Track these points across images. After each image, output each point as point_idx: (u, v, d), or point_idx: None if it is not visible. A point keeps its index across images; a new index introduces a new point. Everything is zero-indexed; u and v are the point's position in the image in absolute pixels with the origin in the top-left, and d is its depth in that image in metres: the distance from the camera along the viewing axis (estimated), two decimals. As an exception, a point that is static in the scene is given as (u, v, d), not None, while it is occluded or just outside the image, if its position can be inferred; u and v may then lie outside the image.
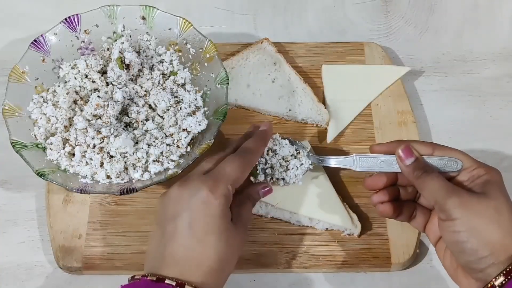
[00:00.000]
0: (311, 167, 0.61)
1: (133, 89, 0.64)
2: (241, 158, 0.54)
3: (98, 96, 0.60)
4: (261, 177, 0.59)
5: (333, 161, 0.61)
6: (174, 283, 0.47)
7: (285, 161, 0.61)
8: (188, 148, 0.61)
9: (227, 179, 0.51)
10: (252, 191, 0.58)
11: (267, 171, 0.60)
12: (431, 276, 0.64)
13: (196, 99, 0.64)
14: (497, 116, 0.75)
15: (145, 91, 0.65)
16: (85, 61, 0.65)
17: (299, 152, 0.61)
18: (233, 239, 0.50)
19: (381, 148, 0.57)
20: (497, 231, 0.47)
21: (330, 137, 0.70)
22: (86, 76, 0.65)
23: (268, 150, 0.60)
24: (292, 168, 0.61)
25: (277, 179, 0.61)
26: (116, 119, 0.61)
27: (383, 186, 0.57)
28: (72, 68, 0.65)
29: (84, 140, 0.60)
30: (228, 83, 0.63)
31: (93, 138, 0.60)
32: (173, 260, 0.48)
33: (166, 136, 0.62)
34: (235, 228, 0.51)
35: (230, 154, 0.55)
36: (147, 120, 0.63)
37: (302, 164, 0.61)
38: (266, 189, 0.59)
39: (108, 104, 0.60)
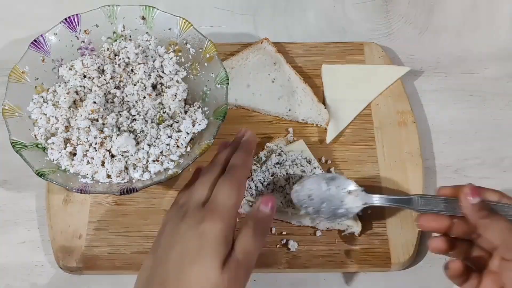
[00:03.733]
0: (362, 207, 0.59)
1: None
2: (232, 180, 0.52)
3: (94, 102, 0.61)
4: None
5: (385, 201, 0.59)
6: None
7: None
8: (188, 148, 0.61)
9: (226, 207, 0.50)
10: (250, 213, 0.53)
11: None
12: (431, 276, 0.64)
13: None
14: (497, 116, 0.75)
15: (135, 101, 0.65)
16: (82, 61, 0.65)
17: (350, 191, 0.59)
18: (230, 268, 0.47)
19: (449, 192, 0.55)
20: None
21: (330, 137, 0.70)
22: (85, 76, 0.65)
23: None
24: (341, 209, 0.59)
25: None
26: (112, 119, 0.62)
27: (434, 228, 0.55)
28: (70, 69, 0.65)
29: (87, 139, 0.60)
30: (228, 83, 0.63)
31: (95, 137, 0.60)
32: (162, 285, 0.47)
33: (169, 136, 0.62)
34: (231, 259, 0.48)
35: (219, 173, 0.54)
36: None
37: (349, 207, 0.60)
38: (268, 201, 0.53)
39: (104, 110, 0.61)
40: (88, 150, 0.60)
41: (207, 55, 0.65)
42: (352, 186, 0.60)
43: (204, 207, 0.51)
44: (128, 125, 0.62)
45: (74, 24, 0.66)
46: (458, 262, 0.52)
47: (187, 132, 0.62)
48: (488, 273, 0.52)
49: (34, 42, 0.64)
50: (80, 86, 0.65)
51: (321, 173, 0.62)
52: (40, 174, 0.56)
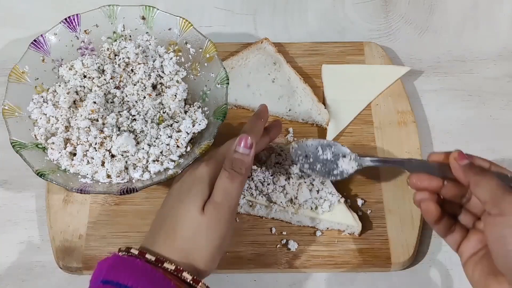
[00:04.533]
0: (356, 168, 0.61)
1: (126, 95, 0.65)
2: (240, 137, 0.54)
3: (94, 102, 0.61)
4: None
5: (380, 163, 0.61)
6: (173, 267, 0.49)
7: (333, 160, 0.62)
8: (188, 148, 0.61)
9: (220, 153, 0.55)
10: (227, 156, 0.54)
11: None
12: (431, 276, 0.64)
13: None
14: (497, 116, 0.75)
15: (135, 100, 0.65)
16: (82, 61, 0.65)
17: (345, 155, 0.62)
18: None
19: (439, 157, 0.55)
20: None
21: (330, 137, 0.70)
22: (85, 76, 0.65)
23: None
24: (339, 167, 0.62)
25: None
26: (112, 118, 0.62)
27: (425, 187, 0.55)
28: (70, 69, 0.65)
29: (87, 139, 0.60)
30: (228, 83, 0.63)
31: (95, 137, 0.60)
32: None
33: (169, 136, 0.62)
34: (210, 200, 0.52)
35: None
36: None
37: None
38: (242, 139, 0.54)
39: (104, 110, 0.61)
40: (88, 150, 0.60)
41: (207, 55, 0.65)
42: (347, 151, 0.62)
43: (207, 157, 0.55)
44: (128, 125, 0.62)
45: (74, 24, 0.66)
46: (432, 204, 0.53)
47: (187, 132, 0.62)
48: (475, 231, 0.53)
49: (34, 42, 0.64)
50: (80, 86, 0.65)
51: (318, 139, 0.64)
52: (40, 174, 0.56)
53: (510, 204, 0.47)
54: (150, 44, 0.67)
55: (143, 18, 0.67)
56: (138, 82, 0.65)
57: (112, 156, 0.60)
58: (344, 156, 0.62)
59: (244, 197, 0.64)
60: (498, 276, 0.49)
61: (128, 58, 0.66)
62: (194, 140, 0.63)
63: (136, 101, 0.64)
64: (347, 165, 0.61)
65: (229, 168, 0.52)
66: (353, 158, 0.61)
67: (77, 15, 0.66)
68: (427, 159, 0.56)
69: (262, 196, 0.64)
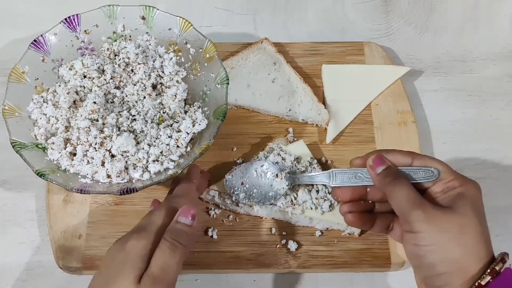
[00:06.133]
0: (287, 188, 0.63)
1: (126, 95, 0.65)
2: (168, 206, 0.52)
3: (94, 102, 0.61)
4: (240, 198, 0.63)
5: (307, 178, 0.61)
6: None
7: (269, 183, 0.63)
8: (188, 148, 0.61)
9: (154, 226, 0.49)
10: (169, 226, 0.50)
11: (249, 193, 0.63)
12: (431, 276, 0.64)
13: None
14: (497, 116, 0.75)
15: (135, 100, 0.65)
16: (82, 61, 0.65)
17: (277, 175, 0.63)
18: None
19: (361, 161, 0.55)
20: (457, 249, 0.46)
21: (330, 137, 0.70)
22: (85, 76, 0.65)
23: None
24: (275, 189, 0.63)
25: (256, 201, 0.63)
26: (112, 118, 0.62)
27: (350, 199, 0.55)
28: (70, 69, 0.65)
29: (87, 139, 0.60)
30: (228, 83, 0.63)
31: (95, 137, 0.60)
32: None
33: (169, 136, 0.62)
34: (146, 274, 0.46)
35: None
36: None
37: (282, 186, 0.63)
38: (187, 211, 0.50)
39: (104, 110, 0.61)
40: (88, 150, 0.60)
41: (207, 55, 0.65)
42: (278, 170, 0.63)
43: (136, 228, 0.50)
44: (128, 125, 0.62)
45: (74, 24, 0.66)
46: (355, 215, 0.54)
47: (187, 132, 0.62)
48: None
49: (34, 42, 0.64)
50: (80, 86, 0.65)
51: (250, 162, 0.65)
52: (40, 174, 0.56)
53: (418, 219, 0.47)
54: (150, 44, 0.67)
55: (143, 18, 0.67)
56: (138, 82, 0.65)
57: (112, 156, 0.60)
58: (276, 176, 0.63)
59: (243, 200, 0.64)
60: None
61: (128, 58, 0.66)
62: (194, 140, 0.63)
63: (136, 101, 0.64)
64: (279, 185, 0.63)
65: (171, 238, 0.48)
66: (284, 177, 0.62)
67: (77, 15, 0.66)
68: (350, 164, 0.57)
69: (260, 201, 0.64)
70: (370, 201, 0.56)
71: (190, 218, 0.50)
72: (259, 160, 0.65)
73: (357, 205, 0.55)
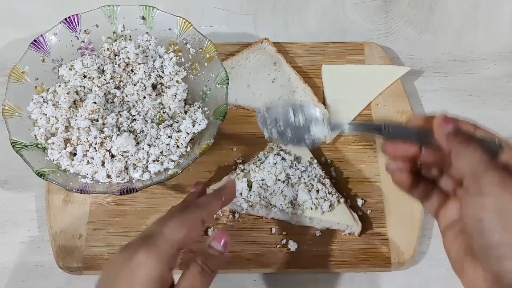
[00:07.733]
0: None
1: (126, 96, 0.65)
2: (184, 215, 0.49)
3: (94, 102, 0.61)
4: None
5: (354, 127, 0.52)
6: None
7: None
8: (188, 148, 0.61)
9: (165, 240, 0.46)
10: (200, 249, 0.49)
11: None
12: (431, 276, 0.64)
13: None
14: (497, 116, 0.75)
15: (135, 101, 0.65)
16: (82, 61, 0.65)
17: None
18: None
19: (421, 121, 0.50)
20: None
21: (329, 137, 0.70)
22: (85, 76, 0.65)
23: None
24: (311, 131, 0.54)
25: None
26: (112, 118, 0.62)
27: (402, 156, 0.50)
28: (70, 69, 0.65)
29: (87, 139, 0.60)
30: (228, 83, 0.63)
31: (95, 137, 0.60)
32: None
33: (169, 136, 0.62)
34: None
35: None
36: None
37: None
38: (221, 237, 0.49)
39: (104, 110, 0.61)
40: (88, 150, 0.60)
41: (207, 55, 0.66)
42: (319, 115, 0.55)
43: (145, 238, 0.47)
44: (128, 125, 0.62)
45: (74, 24, 0.66)
46: (405, 174, 0.49)
47: (187, 132, 0.62)
48: (455, 199, 0.49)
49: (34, 42, 0.64)
50: (80, 86, 0.65)
51: (288, 101, 0.59)
52: (40, 174, 0.56)
53: (491, 182, 0.43)
54: (150, 44, 0.67)
55: (143, 18, 0.67)
56: (138, 82, 0.65)
57: (112, 156, 0.60)
58: (316, 121, 0.55)
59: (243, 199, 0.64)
60: (474, 260, 0.46)
61: (128, 58, 0.66)
62: (194, 140, 0.63)
63: (136, 101, 0.64)
64: (319, 132, 0.54)
65: (203, 263, 0.46)
66: (326, 123, 0.54)
67: (77, 15, 0.66)
68: (406, 123, 0.51)
69: (260, 200, 0.64)
70: (418, 164, 0.52)
71: (222, 245, 0.49)
72: (298, 102, 0.57)
73: (407, 164, 0.50)
